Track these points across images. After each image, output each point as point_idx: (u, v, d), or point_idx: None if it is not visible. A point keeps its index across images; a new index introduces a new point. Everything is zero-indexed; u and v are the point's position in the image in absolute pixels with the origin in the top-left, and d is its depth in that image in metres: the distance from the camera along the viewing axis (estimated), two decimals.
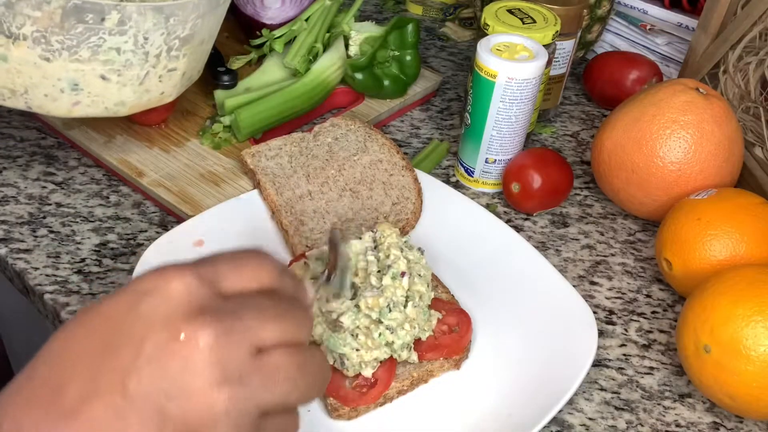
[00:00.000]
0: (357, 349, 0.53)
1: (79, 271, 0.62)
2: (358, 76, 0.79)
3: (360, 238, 0.59)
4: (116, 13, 0.55)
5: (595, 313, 0.63)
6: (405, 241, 0.58)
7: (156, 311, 0.32)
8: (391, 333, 0.53)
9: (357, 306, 0.53)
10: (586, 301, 0.61)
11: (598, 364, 0.60)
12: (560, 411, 0.56)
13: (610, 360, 0.60)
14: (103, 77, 0.58)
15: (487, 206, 0.72)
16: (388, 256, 0.56)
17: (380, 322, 0.53)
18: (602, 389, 0.58)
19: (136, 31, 0.57)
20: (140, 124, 0.74)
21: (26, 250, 0.64)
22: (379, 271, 0.56)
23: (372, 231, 0.60)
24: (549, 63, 0.74)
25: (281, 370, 0.34)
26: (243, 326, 0.33)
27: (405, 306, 0.54)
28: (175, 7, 0.58)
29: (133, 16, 0.56)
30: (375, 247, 0.58)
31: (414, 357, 0.55)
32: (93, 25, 0.55)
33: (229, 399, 0.32)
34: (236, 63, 0.82)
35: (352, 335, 0.53)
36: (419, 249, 0.58)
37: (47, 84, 0.57)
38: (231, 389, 0.32)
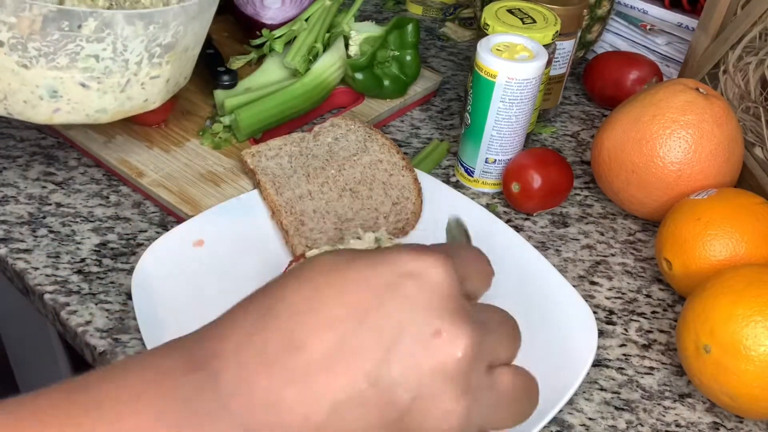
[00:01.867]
0: None
1: (79, 271, 0.62)
2: (358, 76, 0.79)
3: (359, 238, 0.59)
4: (93, 20, 0.54)
5: (595, 313, 0.63)
6: None
7: (418, 298, 0.31)
8: None
9: None
10: (586, 301, 0.61)
11: (598, 364, 0.60)
12: (560, 411, 0.55)
13: (610, 360, 0.60)
14: (82, 84, 0.57)
15: (487, 206, 0.72)
16: None
17: None
18: (602, 389, 0.58)
19: (114, 39, 0.56)
20: (140, 124, 0.74)
21: (26, 250, 0.64)
22: None
23: (373, 231, 0.60)
24: (549, 63, 0.74)
25: (510, 392, 0.33)
26: (491, 340, 0.32)
27: None
28: (154, 15, 0.57)
29: (110, 23, 0.55)
30: (377, 248, 0.58)
31: None
32: (70, 32, 0.54)
33: (465, 413, 0.31)
34: (236, 63, 0.82)
35: None
36: None
37: (26, 91, 0.57)
38: (467, 402, 0.31)
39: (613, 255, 0.69)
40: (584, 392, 0.57)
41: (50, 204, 0.68)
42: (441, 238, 0.66)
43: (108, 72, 0.58)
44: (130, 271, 0.62)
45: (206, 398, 0.30)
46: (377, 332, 0.30)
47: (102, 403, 0.30)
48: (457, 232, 0.43)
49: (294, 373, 0.29)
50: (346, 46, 0.82)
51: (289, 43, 0.81)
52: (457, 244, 0.36)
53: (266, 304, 0.32)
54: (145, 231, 0.67)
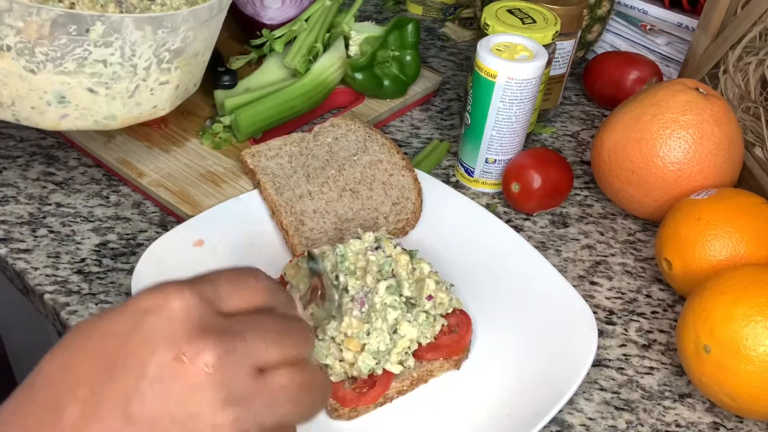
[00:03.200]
0: (341, 360, 0.53)
1: (79, 271, 0.62)
2: (358, 76, 0.79)
3: (359, 238, 0.59)
4: (100, 24, 0.54)
5: (595, 313, 0.63)
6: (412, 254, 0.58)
7: (157, 331, 0.32)
8: (373, 358, 0.53)
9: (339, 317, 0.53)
10: (586, 301, 0.61)
11: (598, 364, 0.60)
12: (560, 411, 0.55)
13: (610, 360, 0.60)
14: (90, 90, 0.57)
15: (487, 206, 0.72)
16: (417, 282, 0.56)
17: (363, 348, 0.53)
18: (602, 389, 0.58)
19: (122, 43, 0.55)
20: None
21: (26, 250, 0.64)
22: (378, 271, 0.56)
23: (373, 231, 0.60)
24: (549, 63, 0.74)
25: (284, 391, 0.33)
26: (245, 346, 0.33)
27: (395, 331, 0.54)
28: (163, 19, 0.56)
29: (118, 27, 0.55)
30: (377, 248, 0.58)
31: (410, 362, 0.55)
32: (77, 36, 0.53)
33: (234, 421, 0.31)
34: (236, 63, 0.82)
35: (337, 345, 0.53)
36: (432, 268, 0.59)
37: (33, 96, 0.56)
38: (235, 411, 0.31)
39: (613, 255, 0.69)
40: (584, 392, 0.57)
41: (50, 204, 0.68)
42: (441, 238, 0.67)
43: (116, 77, 0.57)
44: (130, 271, 0.62)
45: None
46: (124, 375, 0.31)
47: None
48: (311, 271, 0.44)
49: None
50: (346, 46, 0.82)
51: (289, 43, 0.81)
52: (213, 271, 0.36)
53: (29, 380, 0.33)
54: (145, 231, 0.67)
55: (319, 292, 0.45)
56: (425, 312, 0.55)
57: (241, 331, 0.33)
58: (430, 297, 0.55)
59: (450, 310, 0.57)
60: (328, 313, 0.46)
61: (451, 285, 0.58)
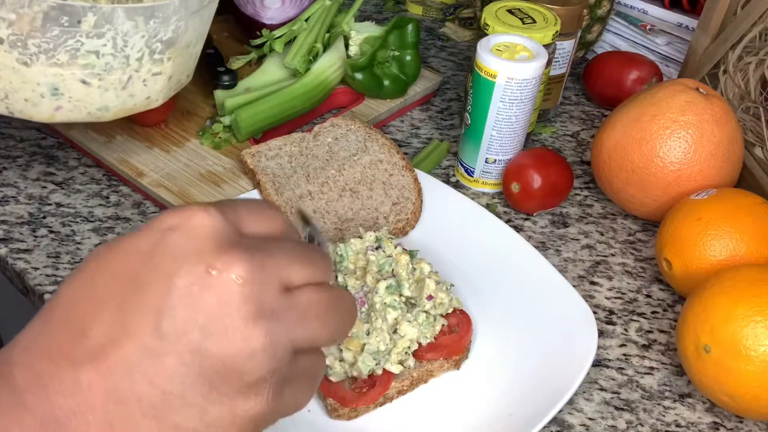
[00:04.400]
0: (341, 360, 0.53)
1: None
2: (358, 76, 0.79)
3: (361, 238, 0.59)
4: (92, 15, 0.54)
5: (595, 313, 0.63)
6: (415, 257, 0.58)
7: (184, 246, 0.31)
8: (373, 358, 0.53)
9: None
10: (586, 301, 0.61)
11: (598, 364, 0.60)
12: (560, 411, 0.55)
13: (610, 360, 0.60)
14: (83, 82, 0.57)
15: (487, 206, 0.72)
16: (416, 282, 0.56)
17: (362, 348, 0.53)
18: (602, 389, 0.58)
19: (114, 34, 0.55)
20: (140, 125, 0.74)
21: (26, 250, 0.64)
22: (378, 271, 0.56)
23: (374, 231, 0.60)
24: (549, 63, 0.74)
25: (313, 307, 0.33)
26: (274, 263, 0.32)
27: (395, 331, 0.54)
28: (154, 9, 0.56)
29: (110, 18, 0.55)
30: (377, 248, 0.58)
31: (410, 362, 0.55)
32: (69, 27, 0.53)
33: (266, 334, 0.31)
34: (236, 63, 0.82)
35: (337, 345, 0.53)
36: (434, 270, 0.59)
37: (27, 89, 0.56)
38: (266, 324, 0.31)
39: (613, 255, 0.69)
40: (584, 392, 0.57)
41: (50, 204, 0.68)
42: (441, 238, 0.67)
43: (109, 68, 0.57)
44: None
45: (3, 400, 0.30)
46: (151, 291, 0.30)
47: None
48: (297, 219, 0.43)
49: (83, 356, 0.30)
50: (346, 46, 0.82)
51: (289, 43, 0.81)
52: (231, 199, 0.36)
53: (48, 305, 0.32)
54: None
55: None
56: (425, 312, 0.55)
57: (268, 248, 0.33)
58: (430, 297, 0.55)
59: (450, 310, 0.57)
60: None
61: (451, 285, 0.58)
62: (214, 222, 0.32)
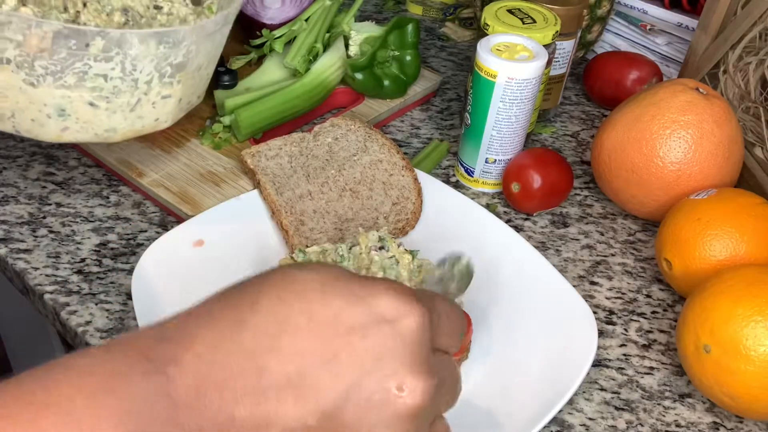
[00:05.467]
0: None
1: (79, 271, 0.62)
2: (358, 76, 0.79)
3: (365, 237, 0.59)
4: (100, 39, 0.53)
5: (595, 313, 0.63)
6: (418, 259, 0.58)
7: (387, 346, 0.31)
8: None
9: None
10: (586, 301, 0.61)
11: (598, 364, 0.60)
12: (560, 411, 0.55)
13: (610, 360, 0.60)
14: (91, 104, 0.56)
15: (487, 206, 0.72)
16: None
17: None
18: (602, 389, 0.58)
19: (123, 58, 0.55)
20: None
21: (26, 250, 0.64)
22: (381, 271, 0.56)
23: (376, 231, 0.60)
24: (549, 63, 0.74)
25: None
26: (441, 397, 0.34)
27: None
28: (164, 35, 0.56)
29: (119, 42, 0.54)
30: (380, 248, 0.58)
31: None
32: (77, 50, 0.53)
33: None
34: (236, 63, 0.82)
35: None
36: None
37: (33, 109, 0.56)
38: None
39: (613, 255, 0.69)
40: (584, 392, 0.57)
41: (50, 204, 0.68)
42: (441, 237, 0.66)
43: (117, 91, 0.57)
44: (130, 271, 0.62)
45: (161, 406, 0.30)
46: (340, 374, 0.30)
47: (60, 405, 0.29)
48: (457, 273, 0.43)
49: (249, 395, 0.30)
50: (346, 46, 0.82)
51: (289, 43, 0.81)
52: (440, 297, 0.36)
53: (237, 316, 0.31)
54: (145, 231, 0.67)
55: None
56: None
57: (445, 380, 0.34)
58: None
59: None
60: None
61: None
62: (422, 334, 0.32)
